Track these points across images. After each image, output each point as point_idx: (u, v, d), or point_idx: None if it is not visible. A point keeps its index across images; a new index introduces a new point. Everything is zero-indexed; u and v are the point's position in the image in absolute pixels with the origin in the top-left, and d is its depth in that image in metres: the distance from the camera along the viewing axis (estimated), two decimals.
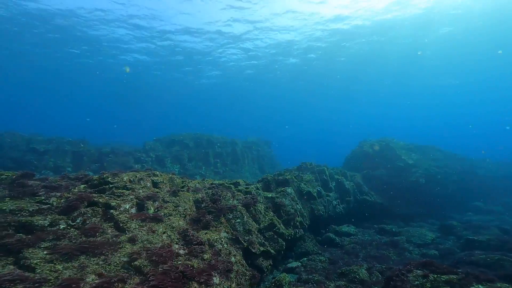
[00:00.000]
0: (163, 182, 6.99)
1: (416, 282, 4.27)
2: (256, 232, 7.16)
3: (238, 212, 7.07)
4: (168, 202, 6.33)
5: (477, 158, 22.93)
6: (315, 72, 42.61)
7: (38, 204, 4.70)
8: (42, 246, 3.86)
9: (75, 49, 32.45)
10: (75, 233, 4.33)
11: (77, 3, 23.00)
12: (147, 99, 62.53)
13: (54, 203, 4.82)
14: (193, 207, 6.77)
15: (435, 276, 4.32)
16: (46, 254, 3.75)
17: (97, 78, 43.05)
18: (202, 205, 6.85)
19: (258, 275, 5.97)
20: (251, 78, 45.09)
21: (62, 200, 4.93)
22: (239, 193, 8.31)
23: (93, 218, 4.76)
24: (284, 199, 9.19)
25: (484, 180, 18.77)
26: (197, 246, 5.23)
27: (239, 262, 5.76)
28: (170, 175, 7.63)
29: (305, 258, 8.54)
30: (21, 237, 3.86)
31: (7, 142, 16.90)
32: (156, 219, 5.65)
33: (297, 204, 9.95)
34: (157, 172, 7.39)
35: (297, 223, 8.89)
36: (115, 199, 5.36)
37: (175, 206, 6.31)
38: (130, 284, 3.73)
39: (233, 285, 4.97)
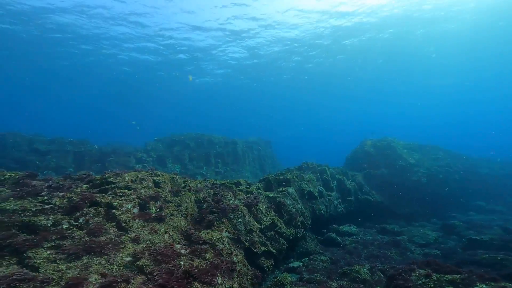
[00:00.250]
0: (164, 182, 7.00)
1: (418, 282, 4.26)
2: (257, 231, 7.16)
3: (240, 212, 7.07)
4: (170, 202, 6.34)
5: (479, 157, 22.83)
6: (316, 71, 42.55)
7: (41, 204, 4.72)
8: (45, 246, 3.87)
9: (74, 49, 32.48)
10: (78, 233, 4.34)
11: (76, 1, 22.95)
12: (148, 99, 62.60)
13: (57, 203, 4.84)
14: (194, 207, 6.78)
15: (438, 275, 4.31)
16: (50, 254, 3.76)
17: (97, 77, 43.13)
18: (204, 205, 6.86)
19: (259, 274, 5.97)
20: (252, 77, 45.04)
21: (64, 200, 4.95)
22: (240, 193, 8.31)
23: (96, 218, 4.77)
24: (285, 199, 9.18)
25: (486, 180, 18.68)
26: (199, 245, 5.24)
27: (241, 262, 5.77)
28: (172, 175, 7.64)
29: (307, 258, 8.53)
30: (27, 237, 3.88)
31: (9, 142, 16.98)
32: (158, 219, 5.67)
33: (299, 203, 9.94)
34: (159, 172, 7.41)
35: (299, 223, 8.89)
36: (117, 199, 5.38)
37: (176, 206, 6.32)
38: (133, 283, 3.74)
39: (235, 284, 4.97)
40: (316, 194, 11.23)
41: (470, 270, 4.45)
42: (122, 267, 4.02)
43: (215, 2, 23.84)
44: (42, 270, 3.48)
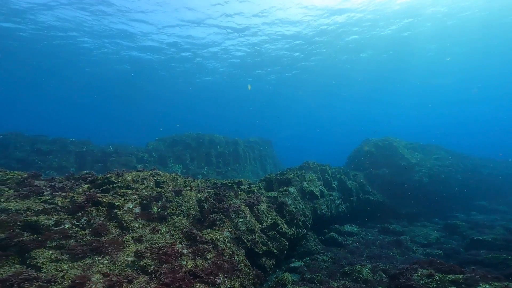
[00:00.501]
0: (166, 181, 7.01)
1: (421, 282, 4.24)
2: (259, 231, 7.15)
3: (241, 212, 7.07)
4: (171, 201, 6.35)
5: (481, 157, 22.70)
6: (317, 71, 42.44)
7: (43, 204, 4.74)
8: (47, 245, 3.89)
9: (74, 47, 32.47)
10: (80, 232, 4.36)
11: None
12: (149, 98, 62.71)
13: (59, 203, 4.86)
14: (196, 206, 6.79)
15: (441, 275, 4.29)
16: (52, 253, 3.78)
17: (97, 77, 43.18)
18: (205, 205, 6.86)
19: (261, 274, 5.96)
20: (254, 75, 44.95)
21: (66, 200, 4.97)
22: (241, 192, 8.31)
23: (97, 218, 4.78)
24: (286, 199, 9.18)
25: (489, 179, 18.58)
26: (200, 245, 5.24)
27: (242, 262, 5.76)
28: (173, 174, 7.66)
29: (308, 258, 8.52)
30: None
31: (12, 142, 17.08)
32: (160, 219, 5.68)
33: (300, 203, 9.93)
34: (160, 172, 7.42)
35: (300, 223, 8.88)
36: (119, 199, 5.39)
37: (178, 206, 6.33)
38: (136, 283, 3.75)
39: (237, 284, 4.96)
40: (318, 193, 11.22)
41: (473, 270, 4.43)
42: (124, 267, 4.03)
43: None
44: (45, 270, 3.49)
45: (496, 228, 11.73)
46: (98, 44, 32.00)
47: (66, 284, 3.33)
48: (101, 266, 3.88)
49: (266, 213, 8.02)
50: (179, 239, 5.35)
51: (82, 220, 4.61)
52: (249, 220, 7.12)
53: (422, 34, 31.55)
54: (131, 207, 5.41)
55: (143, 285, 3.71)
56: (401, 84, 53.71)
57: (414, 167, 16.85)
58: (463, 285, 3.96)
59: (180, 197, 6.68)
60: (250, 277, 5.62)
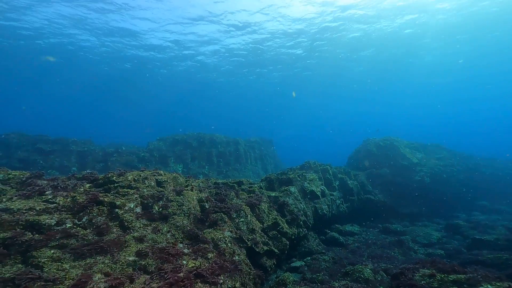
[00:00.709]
0: (167, 181, 7.02)
1: (422, 281, 4.23)
2: (259, 231, 7.15)
3: (242, 211, 7.07)
4: (172, 201, 6.36)
5: (483, 157, 22.60)
6: (318, 70, 42.33)
7: (45, 203, 4.75)
8: (49, 245, 3.90)
9: (74, 46, 32.46)
10: (82, 232, 4.37)
11: None
12: (149, 98, 62.77)
13: (61, 202, 4.87)
14: (197, 206, 6.79)
15: (442, 275, 4.27)
16: (53, 253, 3.79)
17: (98, 76, 43.25)
18: (206, 205, 6.87)
19: (262, 274, 5.96)
20: (256, 73, 44.80)
21: (68, 200, 4.98)
22: (242, 192, 8.31)
23: (99, 217, 4.80)
24: (287, 198, 9.17)
25: (490, 179, 18.49)
26: (201, 245, 5.25)
27: (243, 261, 5.76)
28: (174, 174, 7.66)
29: (309, 258, 8.51)
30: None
31: (14, 142, 17.15)
32: (161, 218, 5.68)
33: (301, 203, 9.92)
34: (161, 172, 7.43)
35: (301, 222, 8.87)
36: (120, 199, 5.40)
37: (179, 205, 6.33)
38: (137, 282, 3.76)
39: (237, 284, 4.97)
40: (319, 193, 11.20)
41: (475, 270, 4.41)
42: (126, 266, 4.04)
43: None
44: (47, 269, 3.51)
45: (498, 228, 11.67)
46: (99, 43, 32.01)
47: (68, 284, 3.34)
48: (103, 265, 3.89)
49: (267, 212, 8.01)
50: (180, 239, 5.36)
51: (84, 220, 4.63)
52: (250, 220, 7.12)
53: (427, 32, 31.22)
54: (132, 206, 5.42)
55: (145, 285, 3.71)
56: (403, 84, 53.52)
57: (415, 167, 16.79)
58: (465, 285, 3.95)
59: (181, 196, 6.68)
60: (251, 277, 5.62)
